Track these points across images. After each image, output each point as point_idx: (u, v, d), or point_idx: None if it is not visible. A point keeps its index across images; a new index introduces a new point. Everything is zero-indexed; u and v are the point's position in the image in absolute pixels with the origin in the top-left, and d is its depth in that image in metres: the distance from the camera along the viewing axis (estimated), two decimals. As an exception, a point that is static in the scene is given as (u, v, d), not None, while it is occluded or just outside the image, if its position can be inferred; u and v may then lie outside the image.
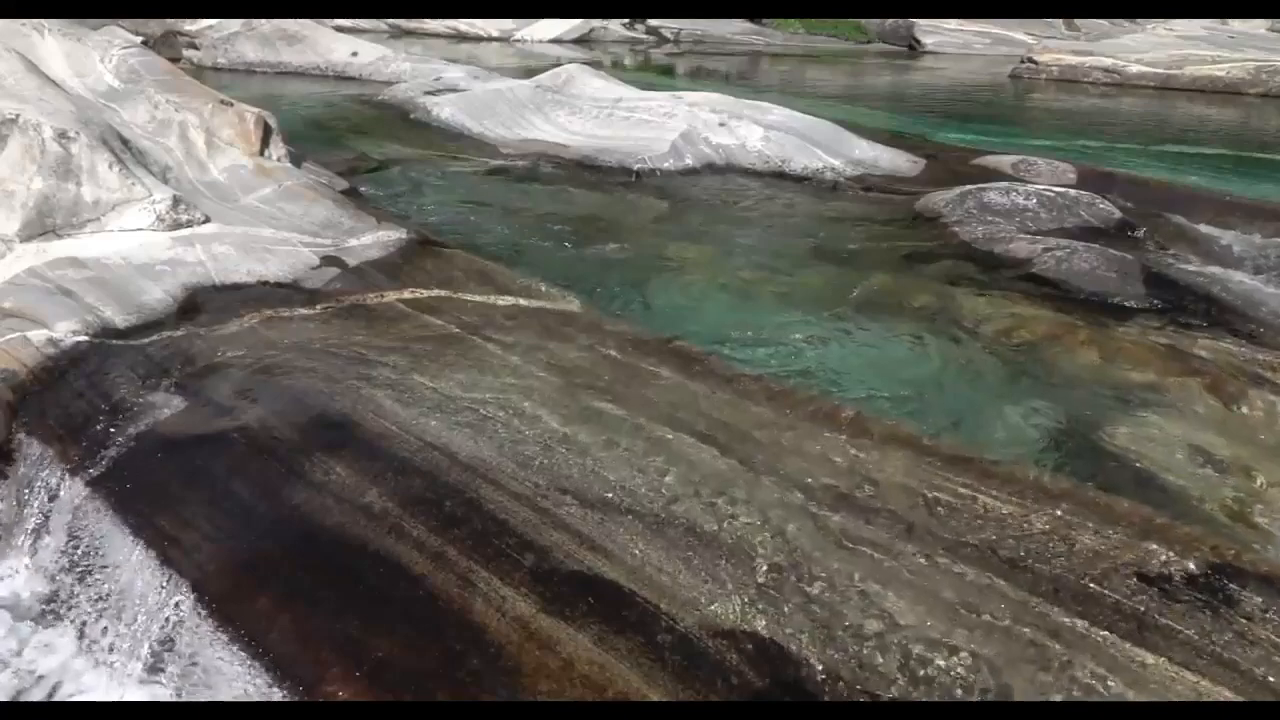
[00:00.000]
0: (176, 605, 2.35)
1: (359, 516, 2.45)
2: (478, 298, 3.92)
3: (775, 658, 2.05)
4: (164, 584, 2.39)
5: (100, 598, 2.53)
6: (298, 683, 2.11)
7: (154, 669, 2.35)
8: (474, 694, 1.99)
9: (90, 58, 5.63)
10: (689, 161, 7.16)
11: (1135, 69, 15.29)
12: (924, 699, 1.96)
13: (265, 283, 3.93)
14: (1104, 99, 14.14)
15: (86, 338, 3.32)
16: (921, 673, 2.01)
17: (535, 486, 2.57)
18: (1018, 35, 20.49)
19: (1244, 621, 2.16)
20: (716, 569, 2.29)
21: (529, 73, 9.53)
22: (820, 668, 2.02)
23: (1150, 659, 2.04)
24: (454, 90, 9.00)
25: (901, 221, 5.99)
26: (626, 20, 19.79)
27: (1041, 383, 3.75)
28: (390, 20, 17.65)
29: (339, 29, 13.20)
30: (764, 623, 2.13)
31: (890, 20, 21.36)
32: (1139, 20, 20.13)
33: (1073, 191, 6.12)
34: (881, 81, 16.43)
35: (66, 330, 3.33)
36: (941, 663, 2.03)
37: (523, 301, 3.91)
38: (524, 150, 7.46)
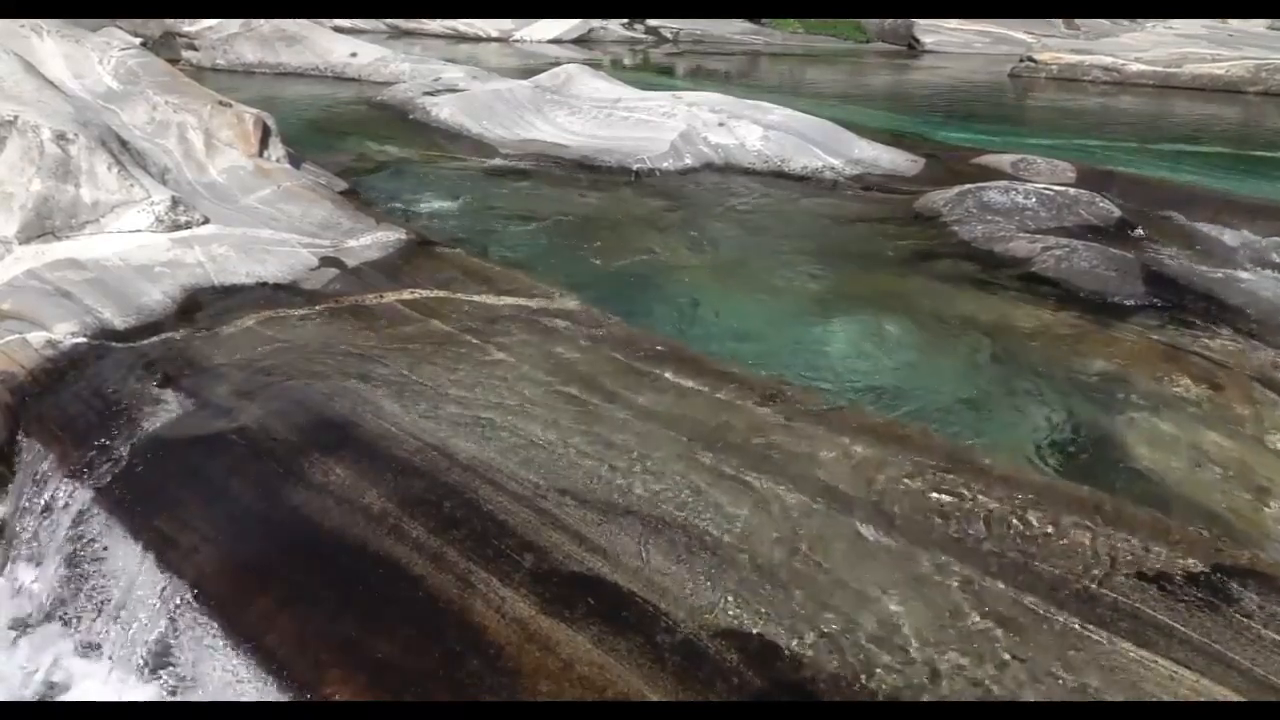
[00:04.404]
0: (176, 606, 2.34)
1: (358, 517, 2.45)
2: (477, 298, 3.92)
3: (775, 658, 2.05)
4: (164, 585, 2.39)
5: (100, 599, 2.53)
6: (297, 683, 2.11)
7: (153, 669, 2.35)
8: (474, 694, 1.99)
9: (89, 59, 5.63)
10: (688, 161, 7.16)
11: (1135, 67, 15.27)
12: (924, 699, 1.96)
13: (264, 284, 3.93)
14: (1104, 97, 14.13)
15: (86, 339, 3.32)
16: (922, 674, 2.01)
17: (535, 487, 2.57)
18: (1018, 34, 20.44)
19: (1244, 620, 2.16)
20: (717, 569, 2.29)
21: (528, 73, 9.53)
22: (820, 668, 2.02)
23: (1150, 658, 2.04)
24: (453, 91, 9.00)
25: (901, 221, 5.99)
26: (626, 20, 19.76)
27: (1041, 382, 3.75)
28: (389, 21, 17.64)
29: (338, 30, 13.19)
30: (764, 623, 2.13)
31: (890, 20, 21.34)
32: (1139, 19, 20.11)
33: (1072, 190, 6.12)
34: (881, 81, 16.42)
35: (65, 332, 3.33)
36: (941, 663, 2.03)
37: (522, 302, 3.91)
38: (523, 150, 7.46)
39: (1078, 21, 21.24)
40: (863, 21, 22.10)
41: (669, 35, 20.38)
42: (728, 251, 5.36)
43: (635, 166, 7.04)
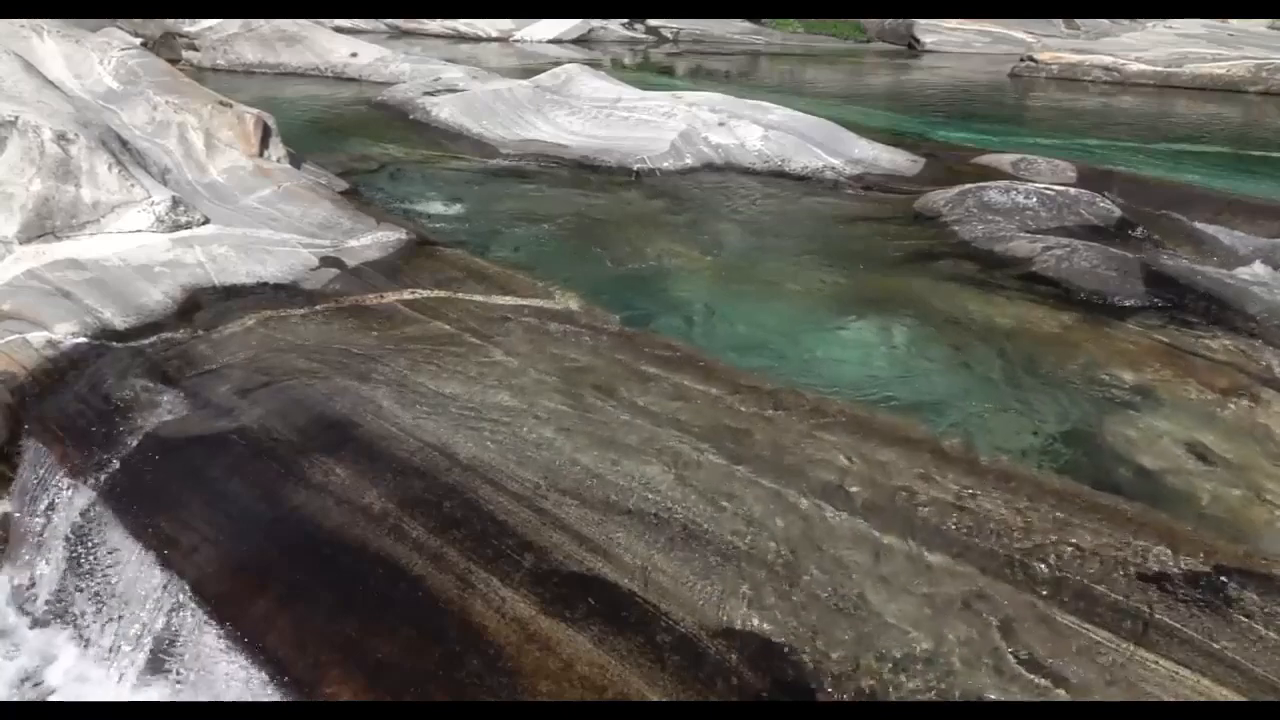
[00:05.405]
0: (176, 606, 2.35)
1: (358, 517, 2.45)
2: (477, 298, 3.92)
3: (775, 657, 2.05)
4: (164, 585, 2.40)
5: (101, 599, 2.53)
6: (297, 683, 2.11)
7: (153, 669, 2.35)
8: (474, 694, 1.99)
9: (89, 59, 5.63)
10: (688, 161, 7.17)
11: (1135, 67, 15.27)
12: (922, 699, 1.96)
13: (264, 284, 3.93)
14: (1104, 97, 14.12)
15: (86, 339, 3.32)
16: (920, 673, 2.01)
17: (535, 487, 2.57)
18: (1017, 34, 20.45)
19: (1244, 620, 2.16)
20: (716, 569, 2.29)
21: (528, 73, 9.53)
22: (819, 668, 2.02)
23: (1150, 658, 2.04)
24: (453, 91, 9.00)
25: (901, 220, 5.99)
26: (626, 20, 19.76)
27: (1041, 382, 3.74)
28: (389, 21, 17.64)
29: (338, 30, 13.19)
30: (763, 622, 2.13)
31: (890, 20, 21.34)
32: (1139, 19, 20.10)
33: (1073, 190, 6.12)
34: (881, 81, 16.42)
35: (66, 332, 3.33)
36: (940, 664, 2.03)
37: (522, 301, 3.91)
38: (523, 150, 7.46)
39: (1078, 21, 21.23)
40: (863, 21, 22.10)
41: (669, 35, 20.38)
42: (729, 252, 5.36)
43: (636, 166, 7.04)
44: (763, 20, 21.49)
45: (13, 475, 2.89)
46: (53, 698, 2.43)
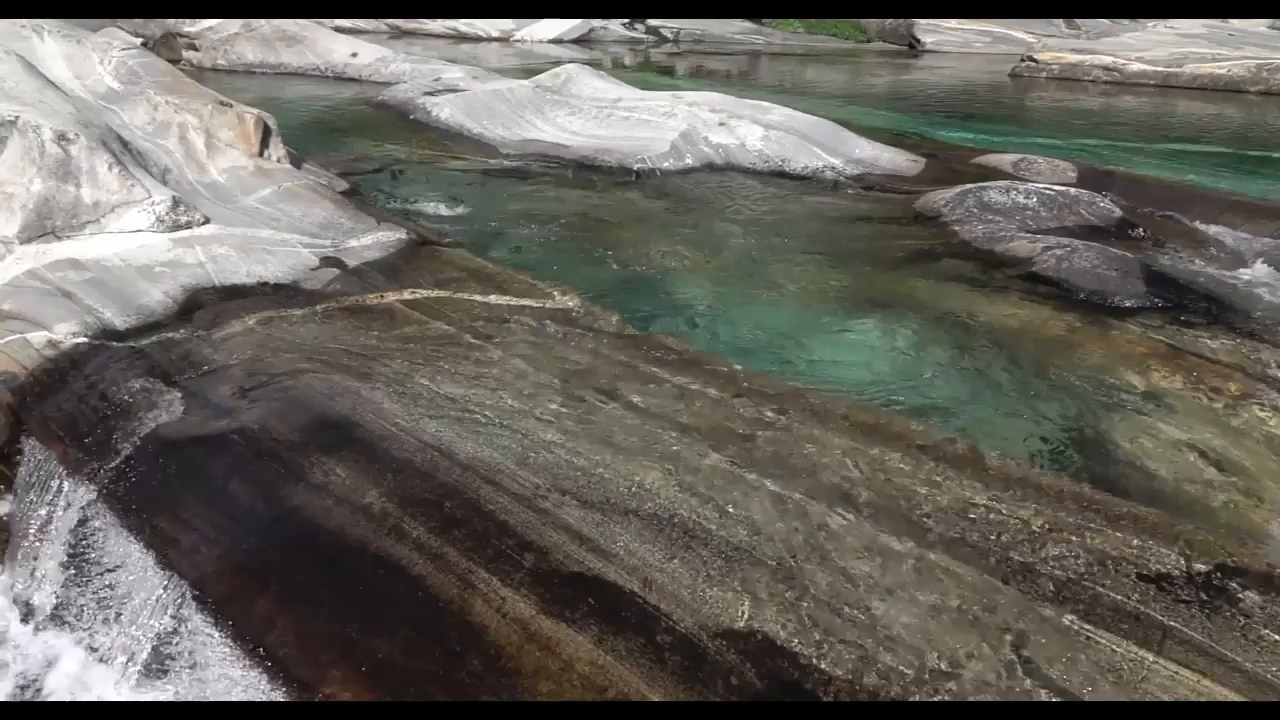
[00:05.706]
0: (176, 607, 2.35)
1: (359, 517, 2.44)
2: (477, 298, 3.92)
3: (775, 657, 2.05)
4: (164, 586, 2.40)
5: (101, 599, 2.53)
6: (297, 683, 2.11)
7: (154, 670, 2.35)
8: (474, 695, 1.99)
9: (90, 59, 5.63)
10: (689, 161, 7.17)
11: (1135, 67, 15.27)
12: (922, 700, 1.95)
13: (265, 284, 3.93)
14: (1104, 97, 14.12)
15: (86, 339, 3.32)
16: (919, 675, 2.01)
17: (535, 487, 2.56)
18: (1018, 34, 20.46)
19: (1244, 620, 2.16)
20: (716, 569, 2.29)
21: (529, 73, 9.53)
22: (819, 668, 2.02)
23: (1151, 658, 2.04)
24: (453, 91, 9.01)
25: (901, 220, 5.99)
26: (626, 20, 19.78)
27: (1042, 382, 3.74)
28: (390, 21, 17.65)
29: (338, 30, 13.20)
30: (763, 622, 2.13)
31: (890, 20, 21.35)
32: (1139, 19, 20.09)
33: (1073, 190, 6.12)
34: (881, 81, 16.41)
35: (66, 332, 3.33)
36: (940, 665, 2.03)
37: (522, 301, 3.91)
38: (524, 150, 7.47)
39: (1078, 21, 21.24)
40: (863, 21, 22.11)
41: (669, 35, 20.39)
42: (730, 252, 5.36)
43: (636, 166, 7.04)
44: (763, 20, 21.51)
45: (12, 475, 2.89)
46: (52, 698, 2.43)
